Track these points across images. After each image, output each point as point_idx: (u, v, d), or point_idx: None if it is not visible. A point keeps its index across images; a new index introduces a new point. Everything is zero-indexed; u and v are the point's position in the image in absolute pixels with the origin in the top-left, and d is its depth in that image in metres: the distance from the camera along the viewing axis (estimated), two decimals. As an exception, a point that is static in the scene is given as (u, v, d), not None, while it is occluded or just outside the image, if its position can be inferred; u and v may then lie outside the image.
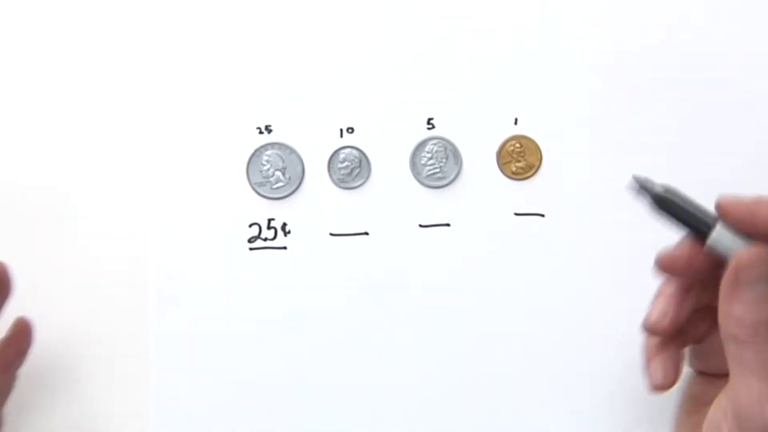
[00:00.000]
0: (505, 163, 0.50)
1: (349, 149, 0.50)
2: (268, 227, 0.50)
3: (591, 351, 0.49)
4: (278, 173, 0.50)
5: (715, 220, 0.37)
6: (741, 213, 0.36)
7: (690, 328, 0.40)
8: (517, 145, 0.50)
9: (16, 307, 0.50)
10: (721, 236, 0.37)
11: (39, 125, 0.50)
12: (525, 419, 0.49)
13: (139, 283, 0.49)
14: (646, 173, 0.50)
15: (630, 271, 0.49)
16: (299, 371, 0.49)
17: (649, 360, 0.40)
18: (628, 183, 0.39)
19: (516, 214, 0.50)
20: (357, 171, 0.50)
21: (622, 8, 0.50)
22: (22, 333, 0.46)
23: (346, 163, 0.50)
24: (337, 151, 0.50)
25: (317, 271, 0.50)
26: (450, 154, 0.50)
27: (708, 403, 0.37)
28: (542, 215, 0.50)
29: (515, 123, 0.50)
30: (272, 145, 0.50)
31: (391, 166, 0.50)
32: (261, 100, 0.50)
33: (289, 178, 0.50)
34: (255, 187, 0.50)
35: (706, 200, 0.50)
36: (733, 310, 0.35)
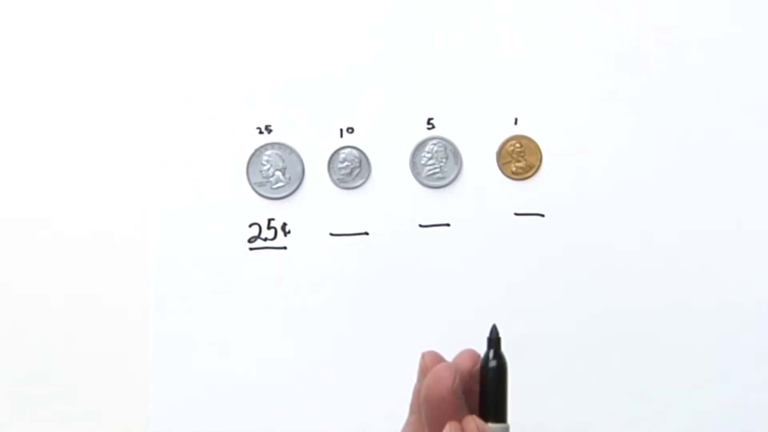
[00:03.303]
0: (505, 163, 0.50)
1: (349, 149, 0.50)
2: (268, 227, 0.50)
3: (590, 350, 0.49)
4: (278, 173, 0.50)
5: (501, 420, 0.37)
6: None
7: None
8: (517, 145, 0.50)
9: (18, 307, 0.50)
10: None
11: (40, 125, 0.50)
12: (524, 415, 0.49)
13: (139, 283, 0.49)
14: (645, 173, 0.50)
15: (629, 271, 0.49)
16: (299, 371, 0.49)
17: None
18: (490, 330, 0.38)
19: (516, 214, 0.50)
20: (357, 171, 0.50)
21: (623, 9, 0.50)
22: None
23: (346, 163, 0.50)
24: (337, 151, 0.50)
25: (317, 271, 0.50)
26: (450, 154, 0.50)
27: None
28: (542, 215, 0.50)
29: (515, 123, 0.50)
30: (272, 145, 0.50)
31: (391, 166, 0.50)
32: (261, 100, 0.50)
33: (289, 178, 0.50)
34: (255, 187, 0.50)
35: (706, 200, 0.50)
36: None
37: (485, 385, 0.37)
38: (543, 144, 0.50)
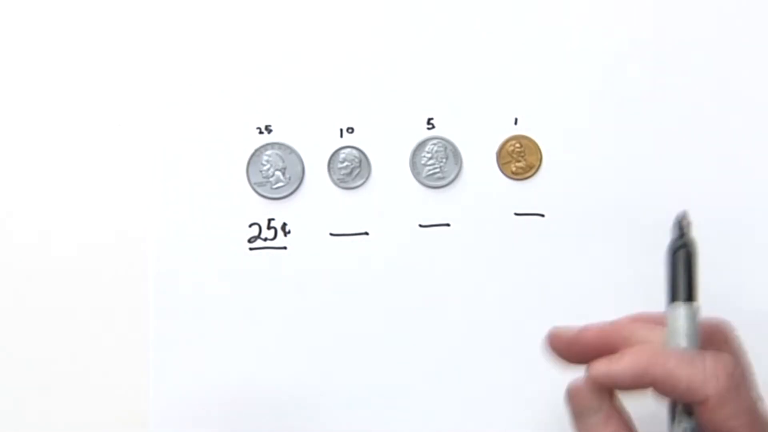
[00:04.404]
0: (505, 163, 0.50)
1: (349, 149, 0.50)
2: (268, 227, 0.50)
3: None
4: (278, 173, 0.50)
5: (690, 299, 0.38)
6: (565, 341, 0.39)
7: None
8: (517, 145, 0.50)
9: (17, 307, 0.50)
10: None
11: (39, 125, 0.50)
12: (524, 418, 0.49)
13: (139, 283, 0.49)
14: (646, 173, 0.50)
15: (630, 272, 0.49)
16: (299, 371, 0.49)
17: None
18: (677, 214, 0.38)
19: (516, 214, 0.50)
20: (357, 171, 0.50)
21: (623, 8, 0.50)
22: None
23: (346, 163, 0.50)
24: (337, 151, 0.50)
25: (317, 271, 0.50)
26: (450, 154, 0.50)
27: None
28: (542, 215, 0.50)
29: (515, 123, 0.50)
30: (272, 145, 0.50)
31: (391, 166, 0.50)
32: (261, 100, 0.50)
33: (289, 178, 0.50)
34: (255, 187, 0.50)
35: (705, 200, 0.50)
36: None
37: (671, 267, 0.38)
38: (543, 144, 0.50)
